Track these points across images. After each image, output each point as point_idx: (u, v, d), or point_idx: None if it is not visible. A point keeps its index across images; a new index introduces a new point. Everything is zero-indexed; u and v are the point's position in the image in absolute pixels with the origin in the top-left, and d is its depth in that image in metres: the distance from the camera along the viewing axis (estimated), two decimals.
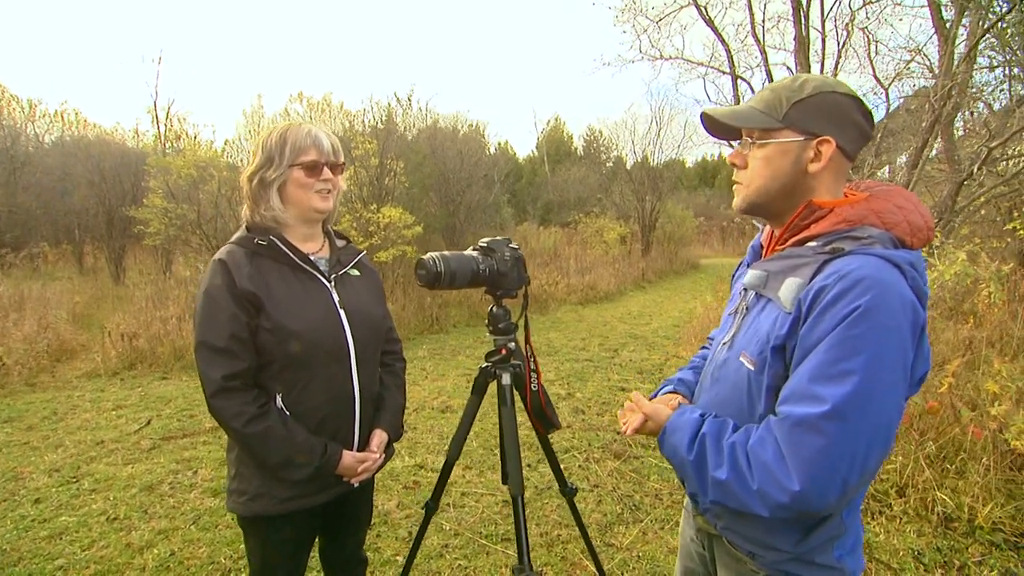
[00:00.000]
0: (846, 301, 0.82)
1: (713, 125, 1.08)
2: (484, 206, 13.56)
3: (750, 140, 1.01)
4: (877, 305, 0.81)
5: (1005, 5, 3.83)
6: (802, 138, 0.95)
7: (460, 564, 2.47)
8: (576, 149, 30.74)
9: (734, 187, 1.06)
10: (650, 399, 1.24)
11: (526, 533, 1.30)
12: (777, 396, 0.93)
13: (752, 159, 1.01)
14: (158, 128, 12.70)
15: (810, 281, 0.89)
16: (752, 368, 0.97)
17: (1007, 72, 5.44)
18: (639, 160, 16.48)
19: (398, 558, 2.50)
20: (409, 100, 12.11)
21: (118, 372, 5.50)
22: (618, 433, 3.92)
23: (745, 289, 1.07)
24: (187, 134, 12.89)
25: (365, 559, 1.73)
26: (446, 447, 3.74)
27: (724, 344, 1.08)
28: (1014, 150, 3.62)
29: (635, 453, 3.58)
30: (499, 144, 24.58)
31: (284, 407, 1.31)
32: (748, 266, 1.13)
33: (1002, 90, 5.59)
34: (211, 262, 1.30)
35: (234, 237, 1.34)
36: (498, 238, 1.42)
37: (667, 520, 2.79)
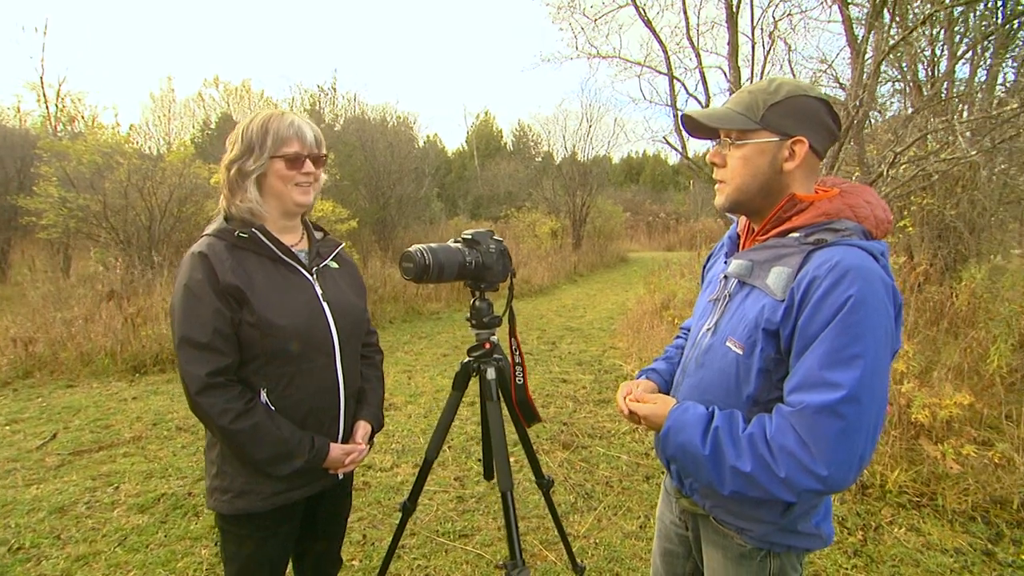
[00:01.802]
0: (840, 290, 0.88)
1: (692, 125, 1.12)
2: (415, 200, 13.32)
3: (729, 140, 1.06)
4: (868, 292, 0.88)
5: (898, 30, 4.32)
6: (777, 138, 1.01)
7: (419, 564, 2.43)
8: (506, 144, 30.90)
9: (716, 186, 1.11)
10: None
11: (517, 528, 1.30)
12: (768, 378, 0.99)
13: (731, 158, 1.06)
14: (47, 108, 11.33)
15: (799, 270, 0.95)
16: (740, 352, 1.02)
17: (896, 87, 6.13)
18: (568, 155, 16.82)
19: (354, 563, 2.42)
20: (333, 88, 11.62)
21: (10, 382, 4.88)
22: (564, 424, 4.01)
23: (726, 277, 1.12)
24: (83, 116, 11.61)
25: (341, 560, 1.69)
26: (392, 446, 3.68)
27: (707, 330, 1.12)
28: (909, 156, 4.07)
29: (583, 443, 3.67)
30: (428, 137, 24.23)
31: (269, 402, 1.29)
32: (727, 255, 1.18)
33: (892, 102, 6.29)
34: (189, 255, 1.24)
35: (211, 229, 1.29)
36: (481, 230, 1.41)
37: (619, 506, 2.89)
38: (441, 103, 67.12)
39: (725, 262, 1.17)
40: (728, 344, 1.05)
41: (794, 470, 0.90)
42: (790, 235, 1.02)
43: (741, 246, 1.18)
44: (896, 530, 2.63)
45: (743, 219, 1.19)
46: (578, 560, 1.97)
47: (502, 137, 31.78)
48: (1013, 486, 2.71)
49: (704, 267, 1.36)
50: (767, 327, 0.97)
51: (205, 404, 1.19)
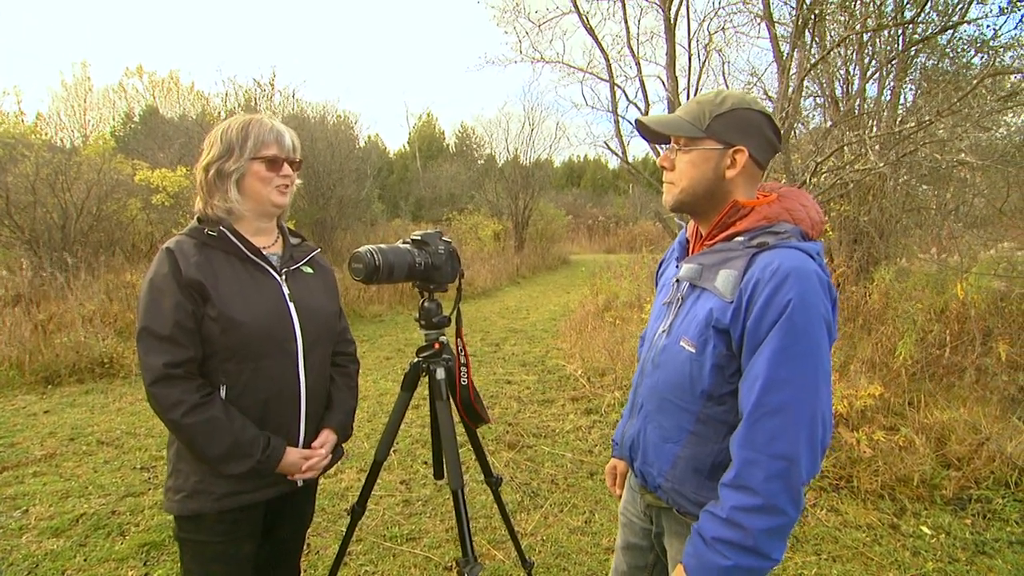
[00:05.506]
0: (783, 293, 0.96)
1: (646, 130, 1.20)
2: (356, 201, 13.01)
3: (677, 146, 1.14)
4: (806, 291, 0.97)
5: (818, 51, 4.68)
6: (721, 147, 1.09)
7: (367, 570, 2.38)
8: (448, 146, 30.72)
9: (664, 186, 1.19)
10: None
11: (468, 526, 1.31)
12: (722, 373, 1.05)
13: (679, 162, 1.14)
14: None
15: (744, 273, 1.02)
16: (692, 351, 1.08)
17: (817, 101, 6.63)
18: (511, 158, 16.94)
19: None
20: (272, 84, 11.16)
21: None
22: (509, 424, 4.04)
23: (678, 281, 1.19)
24: None
25: (299, 570, 1.65)
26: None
27: (663, 332, 1.19)
28: (828, 166, 4.41)
29: (528, 443, 3.72)
30: (369, 137, 23.71)
31: (227, 399, 1.29)
32: (678, 260, 1.25)
33: (814, 115, 6.79)
34: (159, 251, 1.29)
35: (185, 228, 1.34)
36: (430, 231, 1.42)
37: (565, 503, 2.95)
38: (383, 103, 65.73)
39: (676, 266, 1.23)
40: (682, 344, 1.11)
41: (778, 488, 0.95)
42: (735, 239, 1.10)
43: (691, 251, 1.25)
44: (818, 512, 2.84)
45: (691, 224, 1.26)
46: (527, 557, 2.00)
47: (444, 139, 31.56)
48: (914, 465, 2.99)
49: (657, 272, 1.43)
50: (717, 325, 1.04)
51: (159, 395, 1.20)
